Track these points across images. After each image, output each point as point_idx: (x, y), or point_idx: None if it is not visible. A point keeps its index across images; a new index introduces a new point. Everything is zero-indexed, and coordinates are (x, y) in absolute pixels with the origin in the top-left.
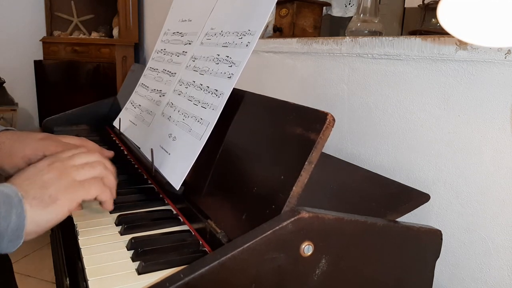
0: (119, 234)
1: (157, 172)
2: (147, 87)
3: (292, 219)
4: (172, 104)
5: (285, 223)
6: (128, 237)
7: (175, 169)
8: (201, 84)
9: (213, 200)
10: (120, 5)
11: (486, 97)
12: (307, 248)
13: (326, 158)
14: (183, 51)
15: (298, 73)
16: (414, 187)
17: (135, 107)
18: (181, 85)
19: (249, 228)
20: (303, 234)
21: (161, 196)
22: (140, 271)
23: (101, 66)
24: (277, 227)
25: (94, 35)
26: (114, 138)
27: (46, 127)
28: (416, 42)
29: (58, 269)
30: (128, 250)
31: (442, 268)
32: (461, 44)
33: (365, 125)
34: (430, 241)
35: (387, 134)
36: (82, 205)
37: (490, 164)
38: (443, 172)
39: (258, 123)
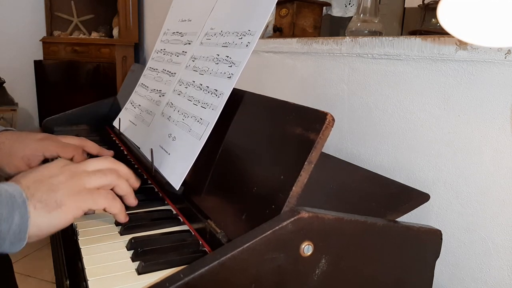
0: (119, 234)
1: (157, 172)
2: (147, 87)
3: (292, 219)
4: (172, 104)
5: (285, 223)
6: (128, 237)
7: (175, 169)
8: (201, 84)
9: (213, 200)
10: (120, 5)
11: (486, 97)
12: (307, 248)
13: (326, 158)
14: (183, 51)
15: (298, 73)
16: (414, 187)
17: (135, 107)
18: (180, 85)
19: (249, 228)
20: (303, 234)
21: (161, 196)
22: (140, 271)
23: (101, 66)
24: (277, 227)
25: (94, 35)
26: (114, 138)
27: (46, 127)
28: (416, 42)
29: (58, 269)
30: (128, 250)
31: (442, 268)
32: (461, 44)
33: (365, 125)
34: (430, 241)
35: (387, 134)
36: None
37: (490, 164)
38: (443, 172)
39: (258, 123)
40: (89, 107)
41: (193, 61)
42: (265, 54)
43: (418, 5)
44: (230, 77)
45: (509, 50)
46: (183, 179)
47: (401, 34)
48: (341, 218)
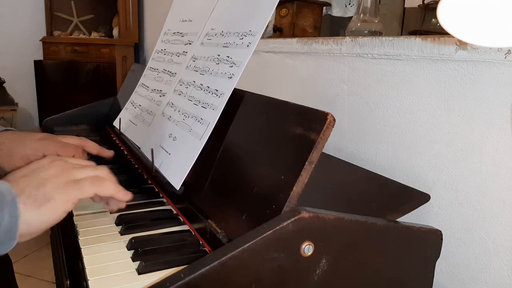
0: (119, 234)
1: (157, 172)
2: (147, 87)
3: (293, 219)
4: (173, 104)
5: (285, 223)
6: (128, 237)
7: (175, 169)
8: (202, 84)
9: (213, 200)
10: (120, 5)
11: (486, 97)
12: (307, 248)
13: (326, 158)
14: (184, 51)
15: (298, 73)
16: (414, 187)
17: (135, 107)
18: (181, 85)
19: (249, 228)
20: (303, 234)
21: (161, 196)
22: (140, 271)
23: (101, 66)
24: (278, 227)
25: (94, 35)
26: (114, 138)
27: (46, 127)
28: (416, 42)
29: (58, 269)
30: (128, 250)
31: (442, 268)
32: (461, 44)
33: (365, 125)
34: (430, 241)
35: (387, 134)
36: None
37: (490, 164)
38: (443, 172)
39: (258, 123)
40: (89, 107)
41: (194, 61)
42: (265, 54)
43: (418, 5)
44: (230, 77)
45: (509, 50)
46: (184, 179)
47: (401, 34)
48: (342, 218)
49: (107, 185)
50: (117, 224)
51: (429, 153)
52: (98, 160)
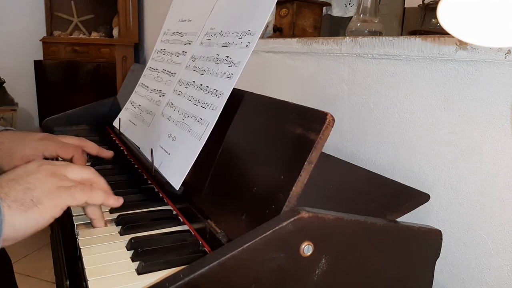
0: (119, 234)
1: (157, 172)
2: (147, 87)
3: (292, 219)
4: (172, 104)
5: (285, 223)
6: (128, 237)
7: (175, 169)
8: (201, 84)
9: (213, 200)
10: (120, 5)
11: (486, 97)
12: (307, 248)
13: (326, 158)
14: (183, 51)
15: (298, 73)
16: (414, 187)
17: (135, 107)
18: (181, 85)
19: (249, 228)
20: (303, 234)
21: (161, 196)
22: (140, 271)
23: (101, 66)
24: (277, 227)
25: (94, 35)
26: (114, 138)
27: (46, 127)
28: (416, 42)
29: (58, 269)
30: (128, 250)
31: (442, 268)
32: (461, 44)
33: (365, 125)
34: (430, 241)
35: (387, 134)
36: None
37: (490, 164)
38: (443, 172)
39: (258, 123)
40: (89, 107)
41: (193, 61)
42: (265, 54)
43: (418, 5)
44: (230, 77)
45: (509, 50)
46: (183, 179)
47: (401, 34)
48: (341, 218)
49: (97, 194)
50: (117, 224)
51: (429, 153)
52: (97, 160)
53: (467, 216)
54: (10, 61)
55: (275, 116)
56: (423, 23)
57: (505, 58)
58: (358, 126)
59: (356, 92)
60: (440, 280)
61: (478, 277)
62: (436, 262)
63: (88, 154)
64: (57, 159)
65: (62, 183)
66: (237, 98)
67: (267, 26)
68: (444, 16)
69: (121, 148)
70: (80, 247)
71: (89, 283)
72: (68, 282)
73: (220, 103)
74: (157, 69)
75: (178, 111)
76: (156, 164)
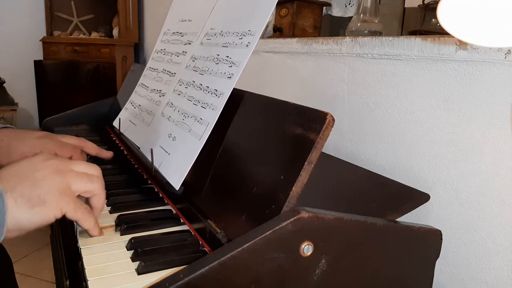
0: (119, 234)
1: (157, 172)
2: (147, 87)
3: (292, 219)
4: (172, 104)
5: (285, 223)
6: (128, 237)
7: (175, 169)
8: (201, 84)
9: (213, 200)
10: (120, 5)
11: (486, 97)
12: (307, 248)
13: (326, 158)
14: (183, 51)
15: (298, 73)
16: (414, 187)
17: (135, 107)
18: (181, 85)
19: (249, 228)
20: (303, 234)
21: (161, 196)
22: (140, 271)
23: (101, 66)
24: (277, 227)
25: (94, 35)
26: (114, 138)
27: (46, 127)
28: (416, 42)
29: (58, 269)
30: (128, 250)
31: (442, 268)
32: (461, 44)
33: (365, 125)
34: (430, 241)
35: (387, 134)
36: None
37: (490, 164)
38: (443, 172)
39: (258, 123)
40: (89, 107)
41: (193, 61)
42: (265, 54)
43: (418, 5)
44: (230, 77)
45: (509, 50)
46: (183, 179)
47: (401, 34)
48: (341, 218)
49: (90, 220)
50: (117, 224)
51: (429, 153)
52: (97, 161)
53: (467, 216)
54: (10, 61)
55: (275, 116)
56: (423, 23)
57: (505, 58)
58: (358, 126)
59: (356, 92)
60: (440, 280)
61: (478, 277)
62: (436, 262)
63: (87, 155)
64: None
65: (69, 186)
66: (237, 98)
67: (267, 26)
68: (444, 16)
69: (121, 148)
70: (80, 247)
71: (89, 283)
72: (68, 282)
73: (220, 103)
74: (157, 69)
75: (178, 111)
76: (156, 164)
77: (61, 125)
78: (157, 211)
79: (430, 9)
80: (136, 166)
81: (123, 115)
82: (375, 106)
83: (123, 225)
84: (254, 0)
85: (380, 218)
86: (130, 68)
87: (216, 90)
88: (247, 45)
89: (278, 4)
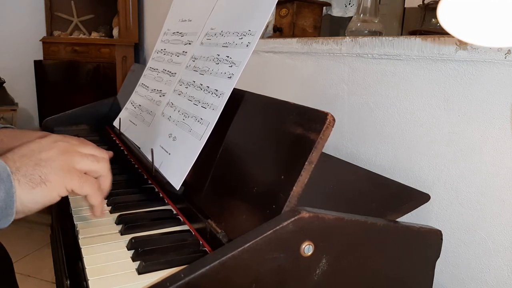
0: (119, 234)
1: (157, 172)
2: (147, 87)
3: (293, 219)
4: (172, 104)
5: (285, 223)
6: (128, 237)
7: (175, 169)
8: (201, 84)
9: (213, 200)
10: (120, 5)
11: (486, 97)
12: (307, 248)
13: (326, 158)
14: (183, 51)
15: (298, 73)
16: (414, 187)
17: (135, 107)
18: (181, 85)
19: (250, 228)
20: (304, 234)
21: (161, 196)
22: (140, 271)
23: (101, 66)
24: (278, 227)
25: (94, 35)
26: (114, 138)
27: (46, 127)
28: (416, 42)
29: (58, 269)
30: (128, 250)
31: (442, 268)
32: (461, 44)
33: (365, 125)
34: (430, 241)
35: (387, 134)
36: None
37: (490, 164)
38: (443, 172)
39: (258, 123)
40: (89, 107)
41: (194, 61)
42: (265, 54)
43: (418, 5)
44: (230, 77)
45: (509, 50)
46: (184, 179)
47: (401, 34)
48: (342, 218)
49: (99, 197)
50: (117, 224)
51: (429, 153)
52: None
53: (467, 216)
54: (10, 61)
55: (275, 116)
56: (423, 23)
57: (505, 58)
58: (358, 126)
59: (356, 92)
60: (440, 280)
61: (478, 277)
62: (436, 262)
63: None
64: None
65: (72, 164)
66: (237, 98)
67: (267, 26)
68: (444, 16)
69: (121, 148)
70: (81, 246)
71: (89, 283)
72: (68, 282)
73: (220, 103)
74: (157, 69)
75: (179, 111)
76: (156, 164)
77: (61, 125)
78: (157, 211)
79: (430, 9)
80: (136, 166)
81: (123, 115)
82: (375, 106)
83: (123, 225)
84: (254, 0)
85: (380, 218)
86: (130, 68)
87: (217, 90)
88: (247, 45)
89: (278, 4)
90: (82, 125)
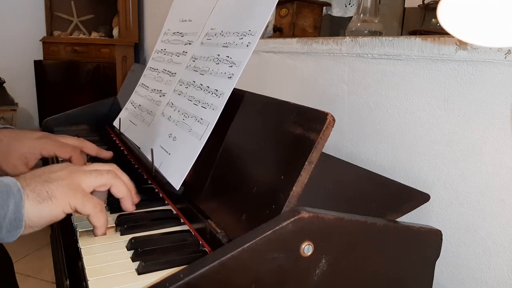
0: (119, 234)
1: (157, 172)
2: (147, 87)
3: (292, 219)
4: (172, 104)
5: (285, 223)
6: (128, 237)
7: (175, 169)
8: (201, 84)
9: (213, 200)
10: (120, 5)
11: (486, 97)
12: (307, 248)
13: (326, 158)
14: (183, 51)
15: (298, 73)
16: (414, 187)
17: (135, 107)
18: (181, 85)
19: (249, 228)
20: (303, 234)
21: (161, 196)
22: (140, 271)
23: (101, 66)
24: (277, 227)
25: (94, 35)
26: (114, 138)
27: (46, 127)
28: (416, 42)
29: (58, 269)
30: (128, 250)
31: (442, 268)
32: (461, 44)
33: (365, 125)
34: (430, 241)
35: (387, 134)
36: None
37: (490, 164)
38: (443, 172)
39: (258, 123)
40: (89, 107)
41: (194, 61)
42: (265, 54)
43: (418, 5)
44: (230, 77)
45: (509, 50)
46: (183, 179)
47: (401, 34)
48: (341, 218)
49: (101, 217)
50: (117, 224)
51: (429, 153)
52: (97, 161)
53: (467, 216)
54: (10, 61)
55: (275, 116)
56: (423, 23)
57: (505, 58)
58: (358, 126)
59: (356, 92)
60: (440, 280)
61: (478, 277)
62: (436, 262)
63: (87, 155)
64: (57, 159)
65: (79, 183)
66: (237, 98)
67: (267, 26)
68: (444, 16)
69: (121, 148)
70: (80, 247)
71: (89, 283)
72: (68, 282)
73: (220, 103)
74: (157, 69)
75: (179, 111)
76: (156, 164)
77: (61, 125)
78: (157, 211)
79: (430, 9)
80: (136, 166)
81: (123, 115)
82: (375, 106)
83: (123, 225)
84: (254, 0)
85: (380, 218)
86: (130, 68)
87: (217, 90)
88: (247, 45)
89: (278, 4)
90: (82, 125)
